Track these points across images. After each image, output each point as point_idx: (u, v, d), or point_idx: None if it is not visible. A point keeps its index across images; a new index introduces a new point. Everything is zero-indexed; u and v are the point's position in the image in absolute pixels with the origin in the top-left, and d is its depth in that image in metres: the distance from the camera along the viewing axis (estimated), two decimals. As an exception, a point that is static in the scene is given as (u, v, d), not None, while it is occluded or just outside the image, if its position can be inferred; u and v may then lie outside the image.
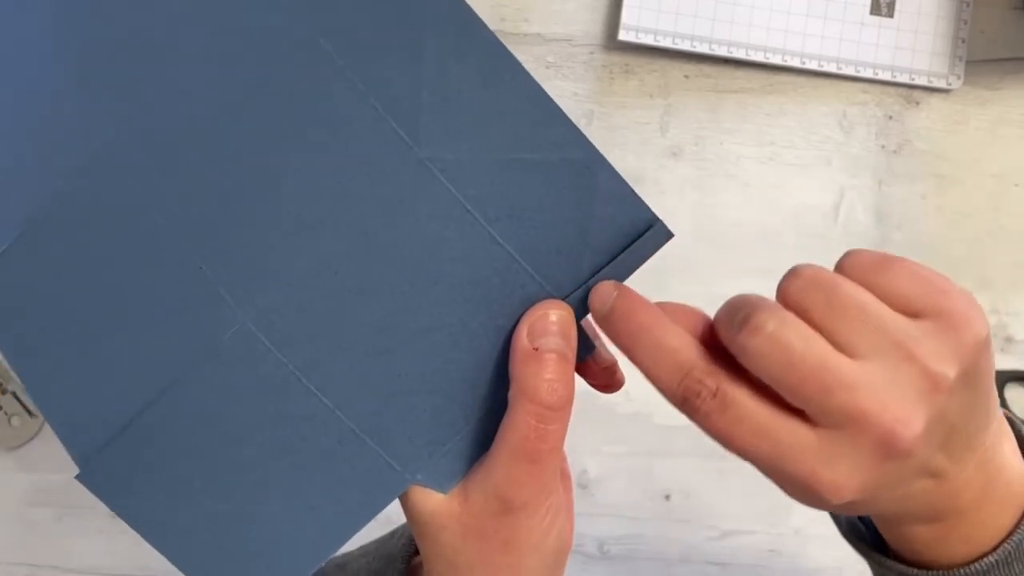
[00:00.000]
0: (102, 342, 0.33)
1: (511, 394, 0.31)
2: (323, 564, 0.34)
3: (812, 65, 0.63)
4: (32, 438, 0.62)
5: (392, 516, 0.37)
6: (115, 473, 0.33)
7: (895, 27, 0.63)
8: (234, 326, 0.32)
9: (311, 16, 0.32)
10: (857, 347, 0.27)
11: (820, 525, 0.40)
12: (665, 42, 0.62)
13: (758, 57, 0.62)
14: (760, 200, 0.64)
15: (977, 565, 0.31)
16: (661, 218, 0.32)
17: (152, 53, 0.32)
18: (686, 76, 0.64)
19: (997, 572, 0.31)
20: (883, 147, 0.64)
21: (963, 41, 0.63)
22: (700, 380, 0.28)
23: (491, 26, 0.31)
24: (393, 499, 0.33)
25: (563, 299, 0.32)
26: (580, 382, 0.33)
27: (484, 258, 0.32)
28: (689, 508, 0.63)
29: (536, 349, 0.31)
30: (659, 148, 0.64)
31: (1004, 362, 0.64)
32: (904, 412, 0.27)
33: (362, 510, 0.33)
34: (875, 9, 0.63)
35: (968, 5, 0.63)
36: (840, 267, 0.29)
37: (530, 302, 0.32)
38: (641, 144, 0.64)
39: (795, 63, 0.62)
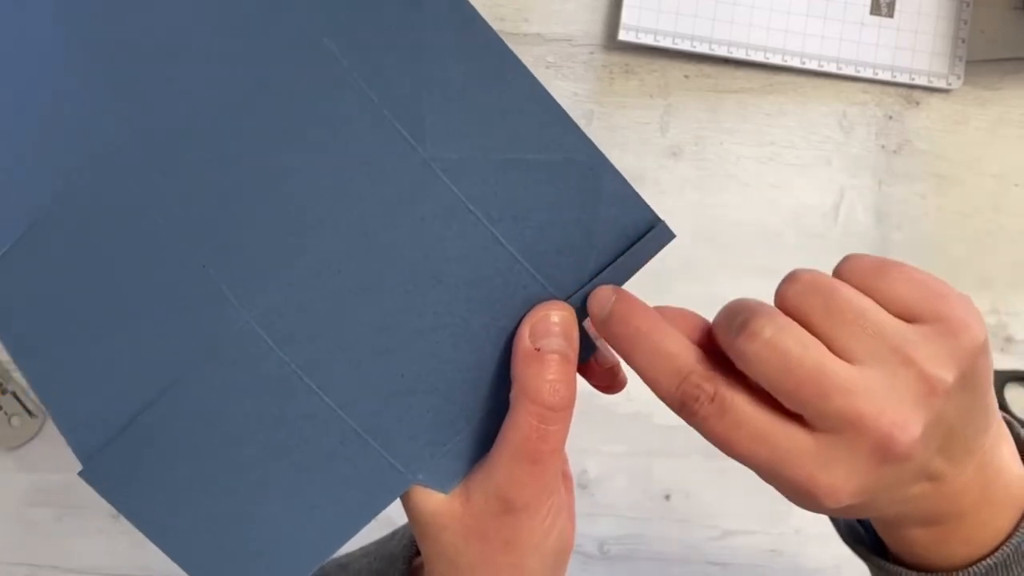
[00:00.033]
0: (105, 340, 0.33)
1: (513, 394, 0.31)
2: (324, 564, 0.34)
3: (812, 65, 0.63)
4: (32, 438, 0.62)
5: (393, 517, 0.37)
6: (118, 470, 0.33)
7: (895, 27, 0.63)
8: (237, 325, 0.32)
9: (314, 16, 0.32)
10: (855, 352, 0.27)
11: (820, 525, 0.40)
12: (665, 42, 0.62)
13: (758, 57, 0.62)
14: (760, 200, 0.64)
15: (976, 568, 0.31)
16: (661, 218, 0.32)
17: (154, 53, 0.32)
18: (686, 76, 0.64)
19: (996, 574, 0.31)
20: (883, 147, 0.64)
21: (963, 41, 0.63)
22: (698, 385, 0.28)
23: (490, 26, 0.31)
24: (394, 499, 0.33)
25: (565, 300, 0.32)
26: (581, 382, 0.33)
27: (486, 258, 0.32)
28: (689, 508, 0.63)
29: (538, 350, 0.31)
30: (659, 148, 0.64)
31: (1004, 362, 0.64)
32: (901, 416, 0.27)
33: (363, 510, 0.33)
34: (875, 9, 0.63)
35: (968, 5, 0.63)
36: (838, 272, 0.29)
37: (532, 303, 0.32)
38: (641, 144, 0.64)
39: (795, 63, 0.62)
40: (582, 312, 0.32)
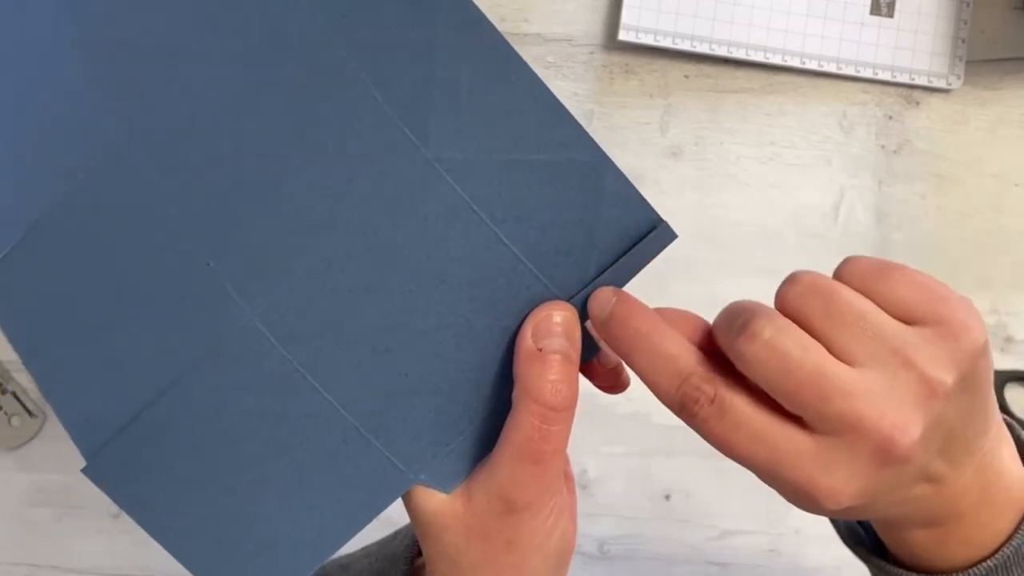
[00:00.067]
0: (108, 338, 0.33)
1: (515, 395, 0.31)
2: (325, 563, 0.34)
3: (812, 65, 0.63)
4: (32, 438, 0.62)
5: (394, 517, 0.37)
6: (121, 467, 0.33)
7: (895, 27, 0.63)
8: (240, 323, 0.32)
9: (319, 15, 0.32)
10: (855, 354, 0.27)
11: (820, 525, 0.40)
12: (665, 42, 0.62)
13: (758, 57, 0.62)
14: (760, 200, 0.64)
15: (976, 569, 0.31)
16: (663, 219, 0.32)
17: (156, 52, 0.32)
18: (686, 76, 0.64)
19: None
20: (883, 147, 0.64)
21: (963, 41, 0.63)
22: (698, 386, 0.28)
23: (490, 26, 0.31)
24: (396, 499, 0.34)
25: (568, 300, 0.32)
26: (582, 382, 0.33)
27: (490, 258, 0.32)
28: (689, 508, 0.63)
29: (540, 350, 0.31)
30: (659, 148, 0.64)
31: (1004, 362, 0.64)
32: (901, 418, 0.27)
33: (365, 509, 0.33)
34: (875, 9, 0.63)
35: (968, 5, 0.63)
36: (839, 274, 0.29)
37: (535, 303, 0.32)
38: (641, 144, 0.64)
39: (795, 63, 0.63)
40: (585, 312, 0.32)
